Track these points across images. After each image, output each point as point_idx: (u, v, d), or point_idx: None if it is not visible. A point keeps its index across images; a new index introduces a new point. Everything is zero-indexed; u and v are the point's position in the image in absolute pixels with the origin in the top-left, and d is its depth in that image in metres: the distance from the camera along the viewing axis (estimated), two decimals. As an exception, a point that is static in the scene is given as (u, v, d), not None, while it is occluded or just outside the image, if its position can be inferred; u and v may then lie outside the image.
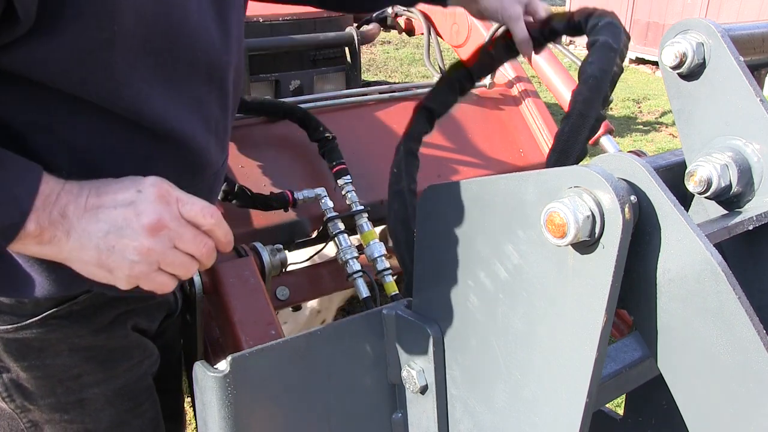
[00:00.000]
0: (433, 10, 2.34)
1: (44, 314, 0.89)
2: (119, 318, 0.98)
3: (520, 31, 1.23)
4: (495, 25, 2.11)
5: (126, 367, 1.01)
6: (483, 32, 2.15)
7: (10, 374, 0.92)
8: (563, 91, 2.04)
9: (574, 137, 1.02)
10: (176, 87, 0.84)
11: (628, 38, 1.10)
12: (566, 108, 2.02)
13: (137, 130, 0.82)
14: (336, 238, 1.58)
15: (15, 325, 0.88)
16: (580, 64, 1.08)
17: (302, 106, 1.78)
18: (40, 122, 0.78)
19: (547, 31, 1.25)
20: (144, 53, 0.77)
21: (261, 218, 1.63)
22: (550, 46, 2.10)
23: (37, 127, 0.79)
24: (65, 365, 0.95)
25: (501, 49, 1.30)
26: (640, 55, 8.73)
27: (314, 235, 1.72)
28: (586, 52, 1.10)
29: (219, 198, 1.50)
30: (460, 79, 1.30)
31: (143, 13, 0.74)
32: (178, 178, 0.91)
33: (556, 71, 2.07)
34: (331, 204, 1.62)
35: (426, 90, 2.10)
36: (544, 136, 2.08)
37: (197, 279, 1.28)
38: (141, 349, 1.04)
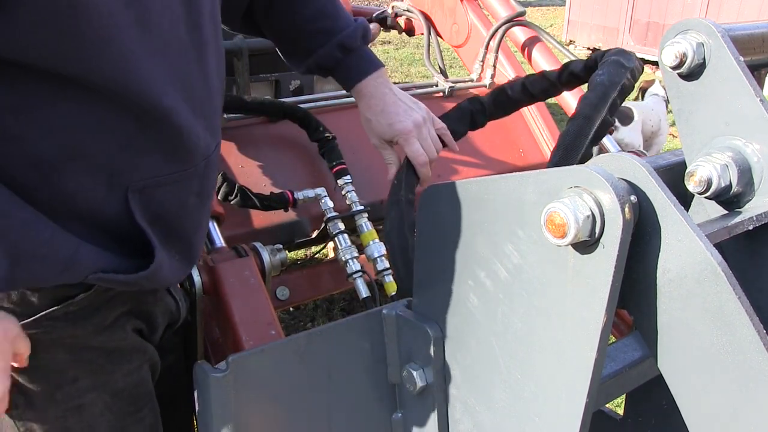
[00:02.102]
0: (433, 10, 2.34)
1: (38, 315, 0.87)
2: (119, 319, 0.97)
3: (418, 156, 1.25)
4: (495, 25, 2.12)
5: (125, 371, 0.99)
6: (483, 32, 2.15)
7: (12, 378, 0.90)
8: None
9: (578, 138, 1.03)
10: (155, 61, 0.82)
11: (642, 66, 1.12)
12: (566, 109, 2.02)
13: (120, 109, 0.81)
14: (336, 238, 1.58)
15: None
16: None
17: (302, 106, 1.78)
18: (17, 103, 0.77)
19: (565, 77, 1.25)
20: (114, 24, 0.76)
21: (261, 218, 1.63)
22: (550, 45, 2.11)
23: (13, 108, 0.77)
24: (61, 368, 0.92)
25: (520, 92, 1.30)
26: (640, 55, 8.69)
27: (314, 235, 1.72)
28: (587, 53, 1.11)
29: (219, 198, 1.50)
30: (473, 112, 1.31)
31: None
32: (165, 162, 0.89)
33: (556, 71, 2.07)
34: (331, 204, 1.62)
35: (426, 90, 2.11)
36: (544, 136, 2.08)
37: (197, 279, 1.28)
38: (141, 352, 1.03)
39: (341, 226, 1.59)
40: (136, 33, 0.79)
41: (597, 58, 1.18)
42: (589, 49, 8.54)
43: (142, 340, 1.03)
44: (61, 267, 0.82)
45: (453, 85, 2.10)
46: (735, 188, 0.75)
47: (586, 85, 1.15)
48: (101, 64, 0.77)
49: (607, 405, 1.15)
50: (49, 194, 0.82)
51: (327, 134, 1.70)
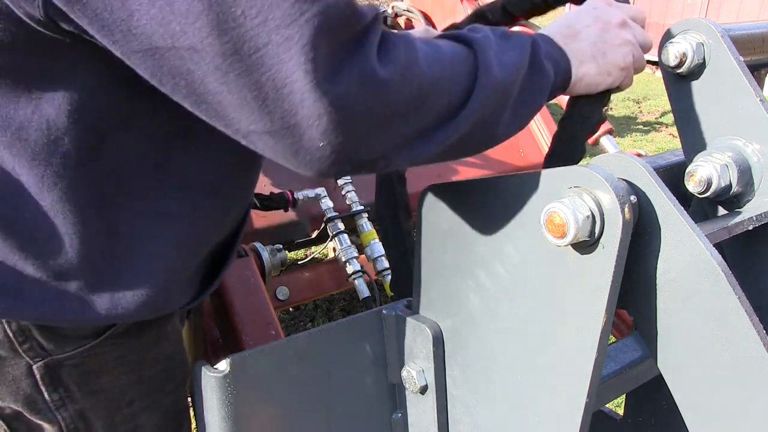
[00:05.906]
0: (433, 10, 2.34)
1: (105, 334, 0.87)
2: (162, 326, 0.97)
3: None
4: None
5: (170, 388, 0.99)
6: (483, 32, 2.15)
7: (75, 405, 0.89)
8: (563, 91, 2.05)
9: (574, 138, 1.02)
10: None
11: None
12: (565, 108, 2.02)
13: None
14: (336, 239, 1.58)
15: (78, 350, 0.86)
16: None
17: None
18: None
19: None
20: None
21: (261, 218, 1.63)
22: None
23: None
24: (122, 389, 0.93)
25: (499, 12, 1.20)
26: (640, 55, 8.70)
27: (314, 235, 1.72)
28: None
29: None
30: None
31: None
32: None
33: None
34: (331, 204, 1.62)
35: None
36: (544, 136, 2.08)
37: (197, 279, 1.28)
38: (181, 368, 1.03)
39: (341, 226, 1.59)
40: None
41: None
42: (589, 49, 8.52)
43: (185, 356, 1.05)
44: (155, 313, 0.87)
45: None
46: (735, 188, 0.75)
47: None
48: None
49: (607, 405, 1.15)
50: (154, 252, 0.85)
51: (327, 134, 1.70)
